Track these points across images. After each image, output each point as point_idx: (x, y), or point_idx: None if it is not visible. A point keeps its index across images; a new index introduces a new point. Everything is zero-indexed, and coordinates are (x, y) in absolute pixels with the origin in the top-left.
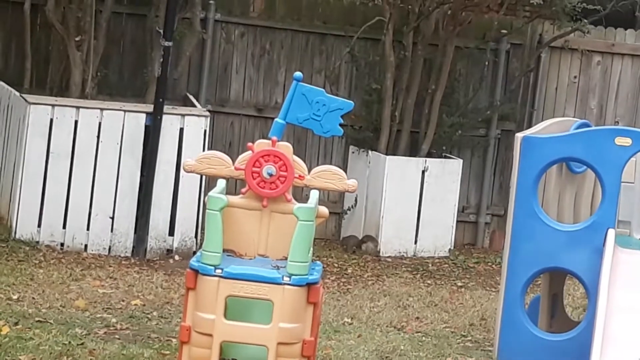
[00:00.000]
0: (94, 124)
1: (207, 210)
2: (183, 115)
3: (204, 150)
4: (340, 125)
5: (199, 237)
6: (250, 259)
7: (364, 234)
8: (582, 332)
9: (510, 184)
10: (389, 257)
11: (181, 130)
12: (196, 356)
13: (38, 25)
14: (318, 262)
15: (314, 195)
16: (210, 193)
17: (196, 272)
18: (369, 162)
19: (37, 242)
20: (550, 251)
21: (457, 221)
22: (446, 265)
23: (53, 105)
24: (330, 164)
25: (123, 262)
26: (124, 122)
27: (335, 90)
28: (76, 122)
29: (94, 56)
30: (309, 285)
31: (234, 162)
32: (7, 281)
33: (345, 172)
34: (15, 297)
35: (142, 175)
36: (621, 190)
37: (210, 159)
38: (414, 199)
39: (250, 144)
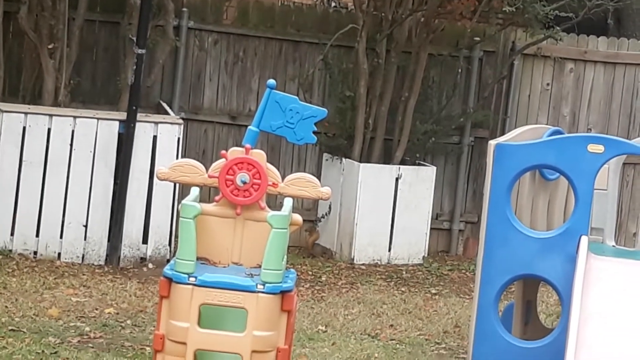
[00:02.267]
0: (67, 131)
1: (180, 218)
2: (156, 123)
3: (177, 158)
4: (314, 132)
5: (172, 245)
6: (224, 266)
7: (338, 241)
8: (555, 338)
9: (484, 191)
10: (363, 264)
11: (154, 138)
12: None
13: (10, 33)
14: (292, 269)
15: (288, 203)
16: (184, 201)
17: (170, 280)
18: (343, 170)
19: (10, 250)
20: (523, 258)
21: (431, 228)
22: (420, 273)
23: (26, 113)
24: (304, 171)
25: (96, 270)
26: (97, 130)
27: (308, 97)
28: (49, 130)
29: (66, 64)
30: (283, 293)
31: (207, 169)
32: None
33: (319, 179)
34: None
35: (115, 183)
36: (594, 198)
37: (183, 167)
38: (388, 207)
39: (223, 151)
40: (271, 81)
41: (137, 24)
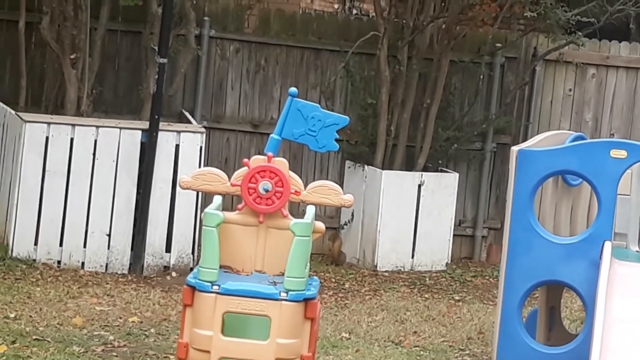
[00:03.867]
0: (90, 141)
1: (203, 227)
2: (179, 132)
3: (199, 166)
4: (336, 140)
5: (195, 254)
6: (247, 275)
7: (361, 248)
8: (579, 344)
9: (507, 197)
10: (386, 271)
11: (177, 146)
12: None
13: (33, 43)
14: (315, 277)
15: (311, 210)
16: (207, 209)
17: (193, 288)
18: (365, 177)
19: (34, 260)
20: (547, 264)
21: (454, 235)
22: (443, 279)
23: (49, 123)
24: (327, 179)
25: (120, 279)
26: (120, 139)
27: (330, 105)
28: (72, 139)
29: (89, 74)
30: (306, 300)
31: (230, 178)
32: (4, 300)
33: (342, 187)
34: (12, 315)
35: (138, 192)
36: (617, 203)
37: (206, 176)
38: (411, 214)
39: (246, 160)
40: (293, 89)
41: (158, 34)
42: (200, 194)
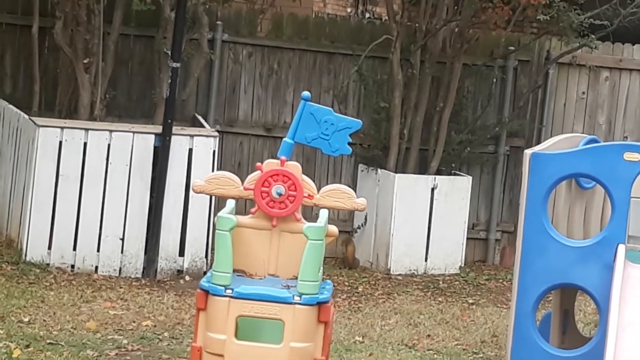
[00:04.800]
0: (103, 145)
1: (216, 231)
2: (192, 136)
3: (213, 170)
4: (349, 144)
5: (209, 258)
6: (261, 278)
7: (375, 252)
8: (594, 347)
9: (520, 201)
10: (399, 275)
11: (190, 150)
12: None
13: (46, 48)
14: (328, 281)
15: (324, 214)
16: (220, 213)
17: (206, 292)
18: (378, 181)
19: (48, 264)
20: (560, 267)
21: (467, 238)
22: (457, 283)
23: (62, 128)
24: (340, 182)
25: (134, 283)
26: (133, 143)
27: (343, 109)
28: (85, 144)
29: (102, 78)
30: (320, 304)
31: (243, 182)
32: (18, 304)
33: (355, 190)
34: (26, 319)
35: (151, 196)
36: (631, 206)
37: (219, 180)
38: (424, 217)
39: (259, 163)
40: (306, 93)
41: (171, 38)
42: (213, 198)
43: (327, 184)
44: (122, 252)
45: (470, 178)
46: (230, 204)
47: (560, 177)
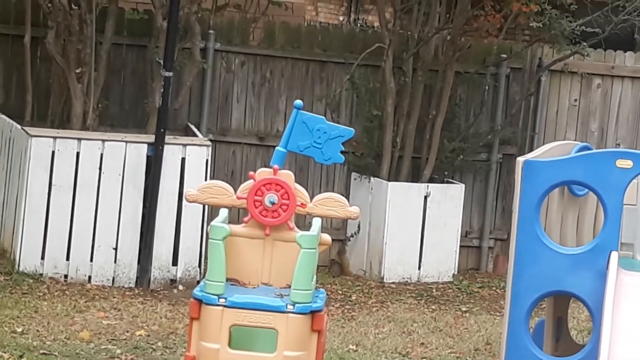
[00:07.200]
0: (96, 155)
1: (209, 240)
2: (185, 145)
3: (206, 179)
4: (342, 152)
5: (202, 267)
6: (254, 287)
7: (368, 260)
8: (587, 355)
9: (513, 208)
10: (392, 283)
11: (183, 160)
12: None
13: (38, 58)
14: (322, 289)
15: (317, 222)
16: (213, 222)
17: (200, 301)
18: (371, 189)
19: (41, 274)
20: (553, 275)
21: (461, 246)
22: (450, 291)
23: (54, 138)
24: (333, 191)
25: (127, 292)
26: (126, 152)
27: (336, 117)
28: (78, 153)
29: (94, 88)
30: (313, 313)
31: (236, 191)
32: (12, 314)
33: (348, 199)
34: (19, 329)
35: (144, 205)
36: (623, 213)
37: (212, 189)
38: (417, 225)
39: (252, 172)
40: (298, 102)
41: (164, 47)
42: (206, 207)
43: (320, 192)
44: (115, 261)
45: (463, 186)
46: (223, 213)
47: (552, 184)
